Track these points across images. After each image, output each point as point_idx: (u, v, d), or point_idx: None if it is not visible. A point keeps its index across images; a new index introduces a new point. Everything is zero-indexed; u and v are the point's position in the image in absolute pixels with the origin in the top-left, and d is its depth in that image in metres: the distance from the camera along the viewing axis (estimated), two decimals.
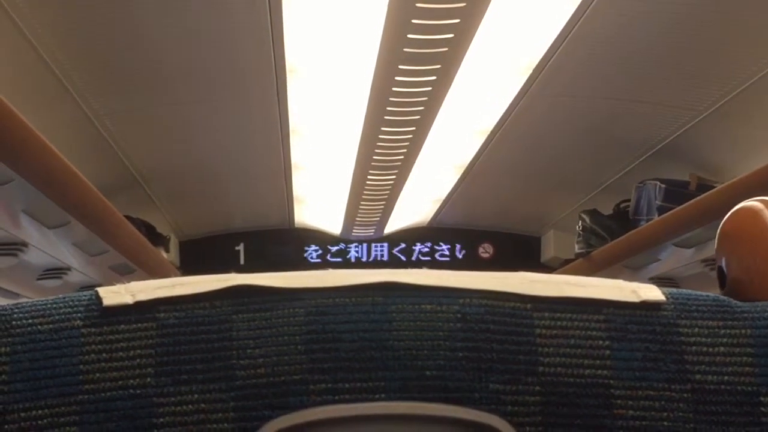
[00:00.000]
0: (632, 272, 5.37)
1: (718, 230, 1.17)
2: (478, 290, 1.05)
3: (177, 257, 7.72)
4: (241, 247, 8.20)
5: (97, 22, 3.88)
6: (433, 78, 4.28)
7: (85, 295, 1.05)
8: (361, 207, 7.07)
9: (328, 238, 8.32)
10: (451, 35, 3.81)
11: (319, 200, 7.23)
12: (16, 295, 4.58)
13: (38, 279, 4.55)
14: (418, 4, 3.52)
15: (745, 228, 1.15)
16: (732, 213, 1.17)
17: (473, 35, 3.88)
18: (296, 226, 8.10)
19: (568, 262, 6.76)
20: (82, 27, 3.89)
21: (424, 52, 3.96)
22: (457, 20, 3.68)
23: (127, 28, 3.97)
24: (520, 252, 7.99)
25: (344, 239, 8.33)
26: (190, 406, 1.00)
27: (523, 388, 1.01)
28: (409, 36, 3.80)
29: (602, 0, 3.72)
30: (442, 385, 1.01)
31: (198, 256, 7.85)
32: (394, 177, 6.09)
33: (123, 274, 5.26)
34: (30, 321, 1.03)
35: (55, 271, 4.58)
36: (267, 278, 1.05)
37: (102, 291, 1.05)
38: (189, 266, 7.58)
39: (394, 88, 4.40)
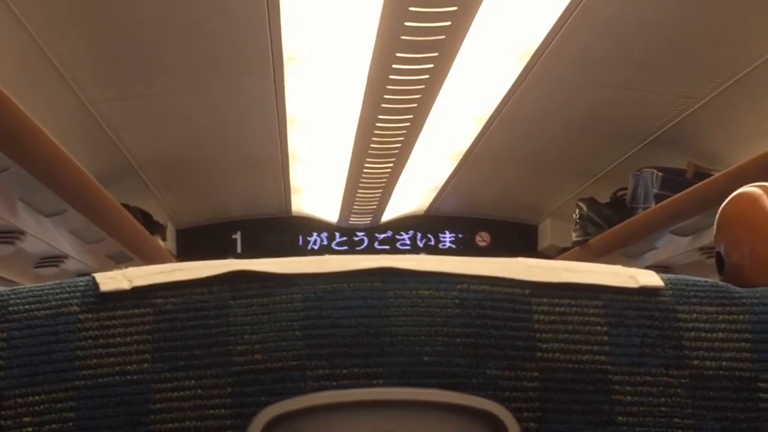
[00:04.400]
0: (629, 260, 5.38)
1: (717, 216, 1.17)
2: (476, 276, 1.04)
3: (174, 245, 7.72)
4: (238, 236, 8.19)
5: (94, 9, 3.87)
6: (430, 66, 4.27)
7: (82, 281, 1.05)
8: (358, 195, 7.07)
9: (325, 227, 8.32)
10: (448, 23, 3.80)
11: (317, 189, 7.22)
12: (14, 283, 4.57)
13: (35, 267, 4.55)
14: None
15: (744, 213, 1.15)
16: (731, 198, 1.16)
17: (470, 23, 3.87)
18: (293, 214, 8.10)
19: (565, 250, 6.76)
20: (79, 15, 3.88)
21: (421, 40, 3.96)
22: (454, 8, 3.67)
23: (123, 16, 3.96)
24: (517, 240, 7.99)
25: (341, 227, 8.33)
26: (188, 392, 1.00)
27: (521, 374, 1.01)
28: (406, 24, 3.79)
29: None
30: (440, 371, 1.01)
31: (195, 245, 7.85)
32: (391, 165, 6.09)
33: (120, 262, 5.26)
34: (27, 307, 1.03)
35: (52, 259, 4.58)
36: (265, 264, 1.05)
37: (99, 277, 1.04)
38: (186, 254, 7.57)
39: (391, 76, 4.40)
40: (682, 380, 1.02)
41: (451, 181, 6.94)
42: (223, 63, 4.60)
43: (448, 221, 8.29)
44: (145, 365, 1.00)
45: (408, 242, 8.38)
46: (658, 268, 5.17)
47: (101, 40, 4.17)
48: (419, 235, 8.38)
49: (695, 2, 3.82)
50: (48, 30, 3.87)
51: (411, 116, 5.03)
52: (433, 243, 8.37)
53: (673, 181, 5.03)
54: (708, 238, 4.58)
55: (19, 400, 0.99)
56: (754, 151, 3.88)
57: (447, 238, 8.37)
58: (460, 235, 8.35)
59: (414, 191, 7.32)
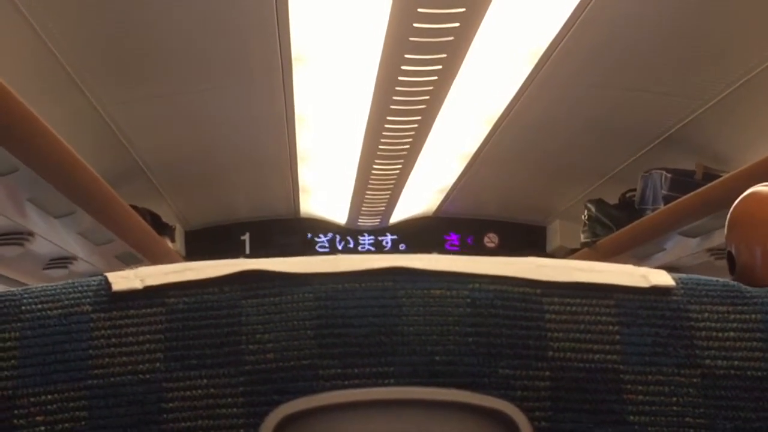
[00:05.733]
0: (638, 262, 5.36)
1: (728, 216, 1.17)
2: (487, 275, 1.04)
3: (182, 247, 7.72)
4: (246, 237, 8.20)
5: (103, 11, 3.87)
6: (439, 67, 4.27)
7: (94, 281, 1.05)
8: (366, 197, 7.06)
9: (333, 228, 8.32)
10: (456, 24, 3.80)
11: (325, 190, 7.22)
12: (24, 285, 4.58)
13: (44, 268, 4.55)
14: None
15: (754, 213, 1.15)
16: (742, 198, 1.16)
17: (479, 24, 3.87)
18: (302, 215, 8.10)
19: (573, 251, 6.76)
20: (88, 16, 3.88)
21: (429, 41, 3.96)
22: (463, 9, 3.67)
23: (132, 17, 3.97)
24: (526, 241, 7.98)
25: (350, 229, 8.32)
26: (200, 391, 1.00)
27: (532, 373, 1.01)
28: (415, 25, 3.79)
29: None
30: (452, 370, 1.00)
31: (203, 246, 7.85)
32: (399, 167, 6.09)
33: (129, 263, 5.26)
34: (39, 306, 1.03)
35: (61, 261, 4.58)
36: (276, 263, 1.05)
37: (111, 276, 1.04)
38: (194, 256, 7.56)
39: (399, 78, 4.40)
40: (694, 379, 1.02)
41: (460, 182, 6.94)
42: (232, 64, 4.60)
43: (457, 223, 8.28)
44: (158, 364, 1.00)
45: (416, 244, 8.36)
46: (667, 269, 5.16)
47: (111, 43, 4.18)
48: (427, 237, 8.35)
49: (703, 3, 3.82)
50: (58, 33, 3.88)
51: (419, 117, 5.03)
52: (440, 245, 8.35)
53: (682, 182, 5.03)
54: (717, 239, 4.57)
55: (32, 399, 0.99)
56: (764, 152, 3.87)
57: (455, 239, 8.35)
58: (468, 237, 8.32)
59: (422, 193, 7.31)
